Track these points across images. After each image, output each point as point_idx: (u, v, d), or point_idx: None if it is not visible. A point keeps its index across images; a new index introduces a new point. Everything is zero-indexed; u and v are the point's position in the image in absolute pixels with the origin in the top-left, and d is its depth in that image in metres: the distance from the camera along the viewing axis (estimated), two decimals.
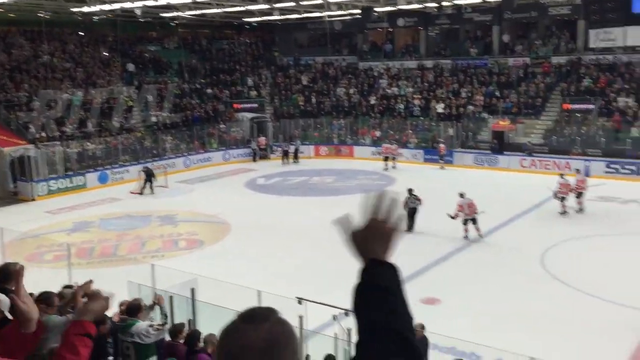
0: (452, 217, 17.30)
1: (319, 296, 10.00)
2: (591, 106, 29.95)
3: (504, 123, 30.98)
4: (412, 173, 27.45)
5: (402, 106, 34.93)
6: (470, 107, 32.89)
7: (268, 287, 11.11)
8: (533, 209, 20.70)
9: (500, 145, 30.10)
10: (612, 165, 26.48)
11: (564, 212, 19.76)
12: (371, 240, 1.50)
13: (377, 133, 33.89)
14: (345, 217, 1.54)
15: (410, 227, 17.67)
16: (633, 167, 26.07)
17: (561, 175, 20.90)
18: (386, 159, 29.81)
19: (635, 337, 10.72)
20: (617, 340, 10.65)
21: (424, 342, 9.22)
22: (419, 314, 9.13)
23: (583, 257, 15.22)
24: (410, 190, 18.16)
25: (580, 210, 20.12)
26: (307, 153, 33.75)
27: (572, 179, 20.51)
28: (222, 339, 1.34)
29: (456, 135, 32.03)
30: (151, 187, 25.01)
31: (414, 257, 15.27)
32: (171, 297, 9.36)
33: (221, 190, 25.72)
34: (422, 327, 9.36)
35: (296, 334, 1.37)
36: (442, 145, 30.14)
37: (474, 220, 17.13)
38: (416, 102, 34.69)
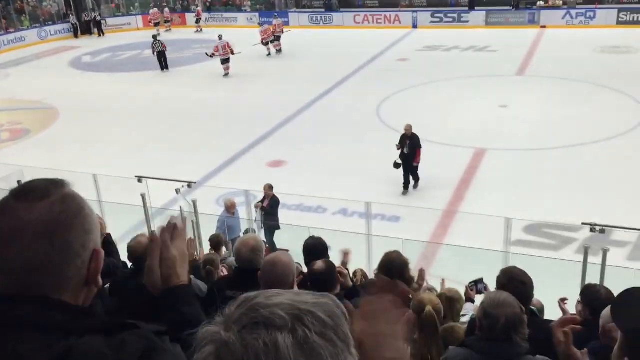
0: (210, 56, 19.93)
1: (161, 172, 9.74)
2: None
3: None
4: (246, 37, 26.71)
5: None
6: None
7: (106, 169, 10.62)
8: (366, 65, 21.38)
9: (333, 3, 30.03)
10: (437, 15, 27.76)
11: (269, 54, 23.20)
12: (180, 264, 1.41)
13: None
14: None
15: (163, 68, 21.73)
16: (454, 15, 27.55)
17: (259, 24, 24.12)
18: (156, 24, 29.71)
19: (460, 168, 11.90)
20: (448, 171, 11.73)
21: (274, 200, 9.51)
22: (267, 176, 9.18)
23: (415, 104, 16.15)
24: (155, 37, 22.15)
25: (279, 51, 23.36)
26: (134, 24, 31.29)
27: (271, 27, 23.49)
28: None
29: None
30: None
31: (253, 124, 15.33)
32: None
33: (42, 72, 23.36)
34: (271, 187, 9.61)
35: (88, 210, 1.12)
36: (199, 9, 31.09)
37: (227, 60, 19.82)
38: None
